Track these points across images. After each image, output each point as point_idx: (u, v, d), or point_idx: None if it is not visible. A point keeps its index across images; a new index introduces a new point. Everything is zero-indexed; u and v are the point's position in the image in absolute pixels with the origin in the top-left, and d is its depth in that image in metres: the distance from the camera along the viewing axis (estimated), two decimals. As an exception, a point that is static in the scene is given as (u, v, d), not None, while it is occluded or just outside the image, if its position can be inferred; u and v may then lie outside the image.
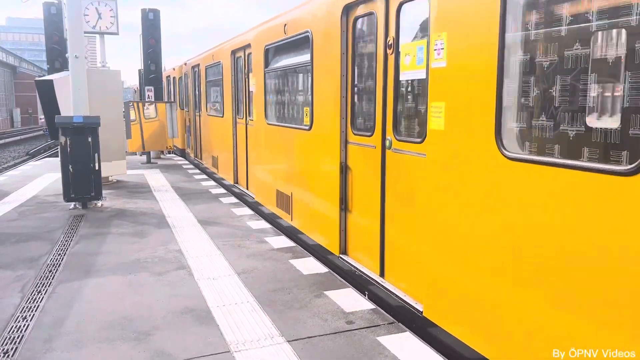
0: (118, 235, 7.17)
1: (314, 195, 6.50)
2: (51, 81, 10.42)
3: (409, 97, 4.61)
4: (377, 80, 4.89)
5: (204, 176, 12.97)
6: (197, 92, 14.70)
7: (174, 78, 19.01)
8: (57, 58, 14.31)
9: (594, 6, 2.76)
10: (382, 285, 4.86)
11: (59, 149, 8.80)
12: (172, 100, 18.54)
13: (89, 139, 8.63)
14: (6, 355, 3.77)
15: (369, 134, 5.09)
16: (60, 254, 6.28)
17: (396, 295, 4.62)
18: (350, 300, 4.81)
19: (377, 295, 4.93)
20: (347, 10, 5.37)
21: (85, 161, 8.65)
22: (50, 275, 5.50)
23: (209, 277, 5.45)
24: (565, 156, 2.94)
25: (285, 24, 7.14)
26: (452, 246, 3.74)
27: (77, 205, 8.93)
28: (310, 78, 6.36)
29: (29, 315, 4.47)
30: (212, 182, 11.92)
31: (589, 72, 2.80)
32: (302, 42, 6.68)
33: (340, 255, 5.75)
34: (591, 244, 2.67)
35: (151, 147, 15.40)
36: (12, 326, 4.26)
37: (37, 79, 12.12)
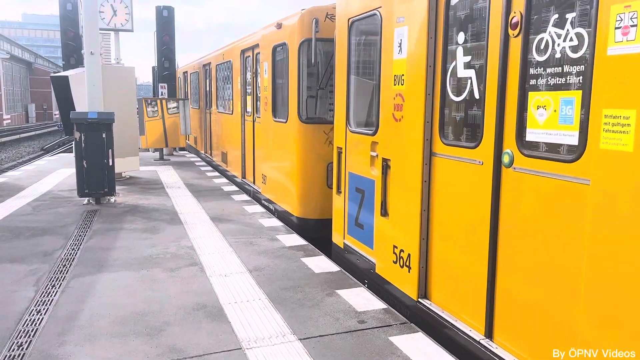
0: (131, 230, 7.21)
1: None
2: (66, 77, 10.52)
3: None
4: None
5: (216, 173, 13.01)
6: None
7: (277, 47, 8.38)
8: (73, 54, 14.40)
9: None
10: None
11: (73, 145, 8.87)
12: (186, 97, 18.48)
13: (103, 135, 8.70)
14: (20, 348, 3.81)
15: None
16: (74, 248, 6.33)
17: None
18: (362, 299, 4.79)
19: None
20: None
21: (99, 157, 8.72)
22: (64, 270, 5.55)
23: (221, 273, 5.46)
24: None
25: None
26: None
27: (90, 201, 9.00)
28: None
29: (43, 309, 4.51)
30: (224, 180, 11.95)
31: None
32: None
33: (420, 300, 4.49)
34: None
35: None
36: (27, 319, 4.30)
37: (52, 74, 12.26)
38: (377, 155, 5.13)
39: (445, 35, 4.12)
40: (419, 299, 4.46)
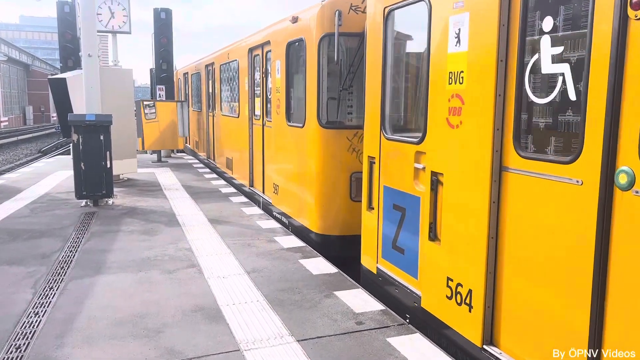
0: (129, 233, 7.21)
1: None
2: (64, 79, 10.51)
3: None
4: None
5: (214, 175, 13.01)
6: None
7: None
8: (70, 56, 14.42)
9: None
10: None
11: (71, 147, 8.87)
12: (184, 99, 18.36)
13: (101, 137, 8.70)
14: (18, 350, 3.81)
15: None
16: (71, 250, 6.33)
17: None
18: (360, 300, 4.80)
19: None
20: None
21: (97, 159, 8.72)
22: (62, 272, 5.55)
23: (219, 275, 5.47)
24: None
25: None
26: None
27: (88, 203, 9.00)
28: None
29: (41, 311, 4.51)
30: (222, 182, 11.96)
31: None
32: None
33: (485, 347, 3.66)
34: None
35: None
36: (25, 321, 4.30)
37: (50, 77, 12.25)
38: (423, 168, 4.32)
39: (522, 21, 3.33)
40: (484, 346, 3.64)
